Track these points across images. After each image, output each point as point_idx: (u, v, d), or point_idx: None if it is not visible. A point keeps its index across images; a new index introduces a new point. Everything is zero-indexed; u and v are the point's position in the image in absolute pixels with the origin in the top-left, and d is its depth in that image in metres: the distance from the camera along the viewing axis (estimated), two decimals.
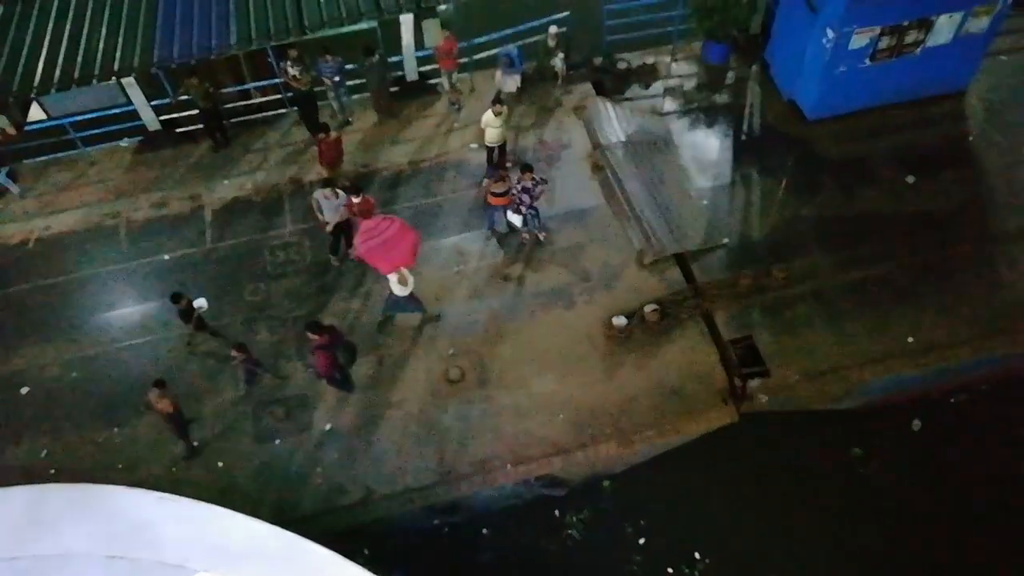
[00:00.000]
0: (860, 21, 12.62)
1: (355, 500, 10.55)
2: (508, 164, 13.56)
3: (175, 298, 11.00)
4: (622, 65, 15.78)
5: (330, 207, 11.85)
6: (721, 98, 15.28)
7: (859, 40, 12.98)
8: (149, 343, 12.05)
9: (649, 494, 11.44)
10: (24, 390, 11.68)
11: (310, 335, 10.33)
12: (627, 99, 15.38)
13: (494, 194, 12.21)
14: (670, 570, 10.86)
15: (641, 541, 11.05)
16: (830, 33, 12.88)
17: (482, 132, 13.26)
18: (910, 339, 11.71)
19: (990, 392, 12.12)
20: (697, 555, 10.89)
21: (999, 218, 13.09)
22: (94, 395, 11.55)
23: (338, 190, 11.76)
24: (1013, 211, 13.08)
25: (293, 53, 13.46)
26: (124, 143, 14.91)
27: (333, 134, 13.28)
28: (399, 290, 11.42)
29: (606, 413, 11.19)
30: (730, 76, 15.71)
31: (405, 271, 11.13)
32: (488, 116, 12.86)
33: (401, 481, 10.67)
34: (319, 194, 11.83)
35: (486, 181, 12.32)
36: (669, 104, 15.26)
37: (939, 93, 14.49)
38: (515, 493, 11.31)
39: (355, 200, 11.59)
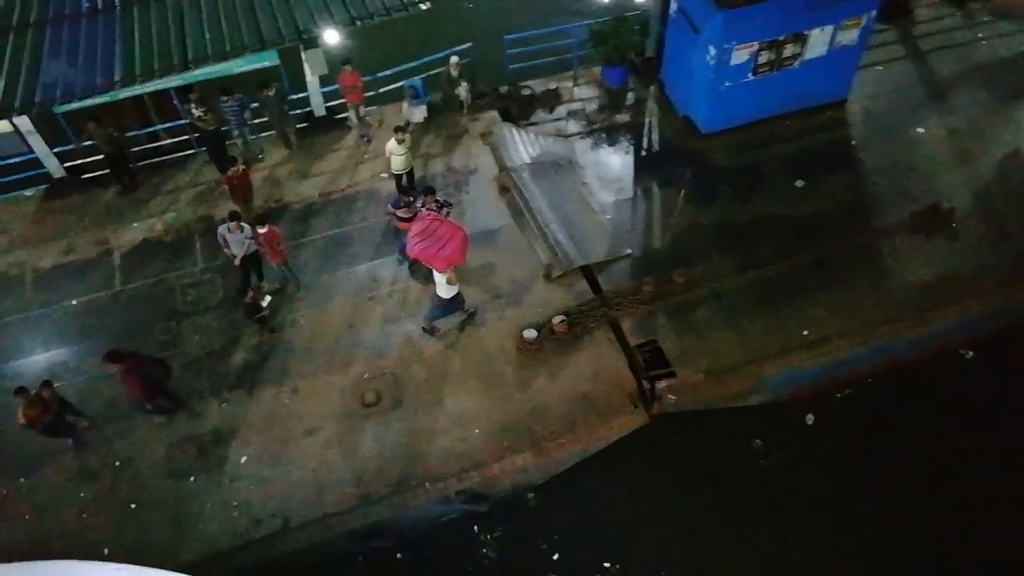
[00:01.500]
0: (738, 38, 13.43)
1: (272, 531, 10.49)
2: (415, 190, 13.88)
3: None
4: (526, 92, 16.39)
5: (236, 240, 11.95)
6: (621, 118, 15.95)
7: (740, 56, 13.79)
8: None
9: (568, 505, 11.61)
10: None
11: (109, 364, 10.52)
12: (532, 124, 15.94)
13: (400, 219, 12.48)
14: None
15: (555, 556, 11.20)
16: (712, 51, 13.65)
17: (389, 161, 13.59)
18: (805, 332, 12.31)
19: (877, 383, 12.66)
20: (607, 564, 11.07)
21: (882, 215, 13.90)
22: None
23: (242, 223, 11.88)
24: (894, 207, 13.91)
25: (194, 95, 13.63)
26: (28, 192, 14.75)
27: (240, 167, 13.41)
28: (446, 291, 11.71)
29: (521, 424, 11.42)
30: (629, 97, 16.43)
31: (452, 272, 11.46)
32: (391, 144, 13.20)
33: (319, 508, 10.65)
34: (223, 228, 11.92)
35: (390, 207, 12.59)
36: (572, 126, 15.86)
37: (822, 103, 15.41)
38: (437, 513, 11.40)
39: (260, 231, 11.72)
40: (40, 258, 13.70)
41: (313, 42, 13.19)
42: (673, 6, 14.59)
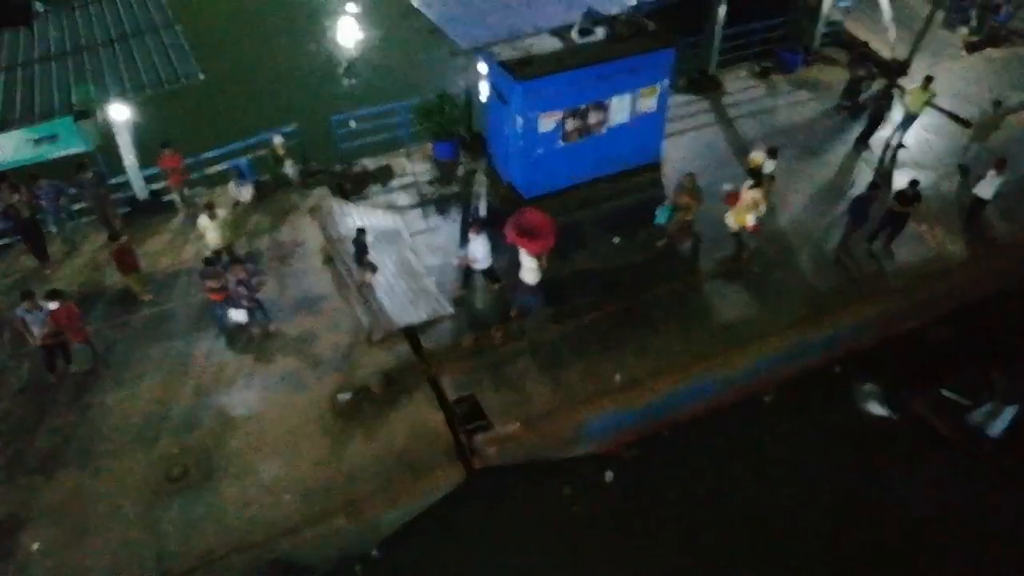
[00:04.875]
0: (539, 107, 14.40)
1: None
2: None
3: None
4: (358, 169, 16.93)
5: (35, 320, 11.66)
6: (450, 189, 16.64)
7: (546, 124, 14.74)
8: None
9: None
10: None
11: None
12: (364, 198, 16.42)
13: (212, 290, 12.50)
14: None
15: None
16: (519, 120, 14.56)
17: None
18: (617, 377, 12.77)
19: (692, 428, 13.27)
20: None
21: (691, 263, 14.84)
22: None
23: (39, 301, 11.64)
24: (702, 256, 14.89)
25: (5, 183, 13.53)
26: None
27: (123, 238, 13.30)
28: (532, 277, 12.77)
29: (335, 486, 11.25)
30: (460, 170, 17.17)
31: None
32: (203, 220, 13.37)
33: None
34: (20, 310, 11.63)
35: (198, 277, 12.62)
36: (404, 199, 16.41)
37: (636, 165, 16.48)
38: None
39: (52, 307, 11.50)
40: None
41: (86, 114, 13.39)
42: (487, 82, 15.57)
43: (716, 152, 17.54)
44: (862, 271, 14.67)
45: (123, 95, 13.79)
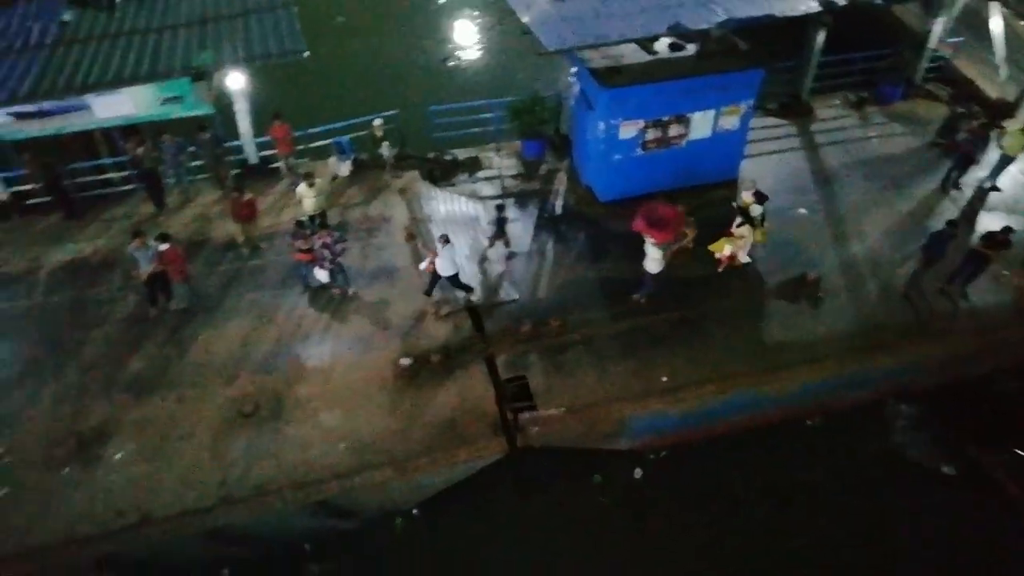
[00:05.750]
0: (622, 114, 14.99)
1: (130, 523, 11.09)
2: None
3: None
4: (449, 158, 17.92)
5: (143, 257, 13.10)
6: (531, 186, 17.39)
7: (627, 131, 15.30)
8: None
9: (427, 541, 12.45)
10: None
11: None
12: (451, 185, 17.39)
13: (299, 250, 13.67)
14: None
15: None
16: (601, 125, 15.17)
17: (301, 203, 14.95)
18: (664, 379, 13.20)
19: (726, 440, 13.53)
20: None
21: (753, 281, 15.02)
22: None
23: (148, 240, 13.06)
24: (765, 275, 15.05)
25: (135, 136, 15.19)
26: None
27: (248, 195, 14.77)
28: (655, 266, 13.64)
29: (385, 442, 12.17)
30: (543, 168, 17.90)
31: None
32: (302, 188, 14.64)
33: (179, 505, 11.31)
34: (131, 247, 13.11)
35: (289, 239, 13.82)
36: (487, 190, 17.29)
37: (712, 181, 16.78)
38: (304, 526, 12.06)
39: (161, 248, 12.90)
40: None
41: (202, 76, 14.74)
42: (576, 87, 16.24)
43: (796, 177, 17.59)
44: (931, 309, 14.51)
45: (236, 64, 15.16)
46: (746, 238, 14.33)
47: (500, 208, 14.97)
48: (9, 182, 15.92)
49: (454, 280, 13.89)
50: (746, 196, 14.65)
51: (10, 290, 14.44)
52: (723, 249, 14.42)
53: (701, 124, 15.63)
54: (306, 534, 12.19)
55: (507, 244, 15.06)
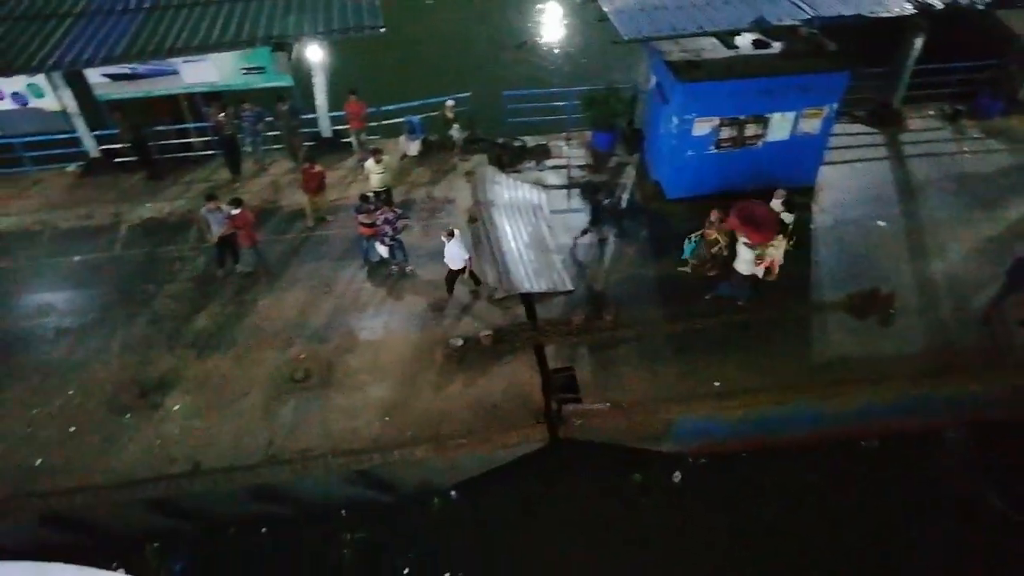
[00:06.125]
0: (697, 110, 14.60)
1: (182, 471, 11.62)
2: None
3: None
4: (518, 144, 17.90)
5: (216, 220, 13.59)
6: (599, 177, 17.17)
7: (701, 128, 14.91)
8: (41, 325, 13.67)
9: (462, 523, 12.56)
10: None
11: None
12: (517, 171, 17.37)
13: (362, 224, 13.93)
14: None
15: (406, 571, 12.03)
16: (675, 120, 14.84)
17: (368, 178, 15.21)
18: (716, 383, 12.89)
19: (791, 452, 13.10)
20: None
21: (821, 291, 14.48)
22: None
23: (221, 204, 13.53)
24: (835, 287, 14.45)
25: (217, 103, 15.76)
26: (71, 167, 17.03)
27: (318, 167, 15.20)
28: (746, 268, 13.22)
29: (429, 419, 12.32)
30: (612, 161, 17.70)
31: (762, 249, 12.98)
32: (370, 163, 14.90)
33: (228, 459, 11.75)
34: (204, 210, 13.61)
35: (353, 212, 14.08)
36: (553, 178, 17.21)
37: (788, 185, 16.17)
38: (342, 493, 12.35)
39: (233, 212, 13.34)
40: (62, 220, 15.79)
41: (282, 47, 14.99)
42: (652, 80, 15.95)
43: (878, 188, 16.80)
44: (1011, 338, 13.70)
45: (312, 36, 15.35)
46: (779, 247, 13.65)
47: (596, 194, 14.96)
48: (100, 140, 16.75)
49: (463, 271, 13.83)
50: (776, 203, 14.10)
51: (92, 242, 15.26)
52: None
53: (780, 126, 15.11)
54: (343, 502, 12.46)
55: (600, 233, 14.98)
